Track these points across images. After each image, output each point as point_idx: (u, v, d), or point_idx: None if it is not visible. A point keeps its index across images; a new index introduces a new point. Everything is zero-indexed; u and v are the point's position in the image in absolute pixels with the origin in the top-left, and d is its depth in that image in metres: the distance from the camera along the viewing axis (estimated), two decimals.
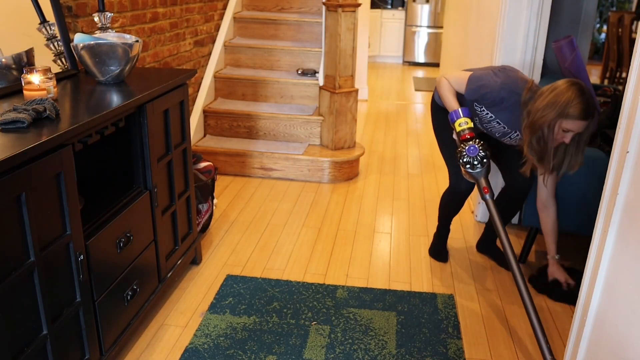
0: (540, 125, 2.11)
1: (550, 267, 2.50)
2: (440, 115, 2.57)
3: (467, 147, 2.25)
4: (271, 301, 2.38)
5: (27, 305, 1.43)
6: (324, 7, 3.75)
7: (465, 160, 2.26)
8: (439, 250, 2.84)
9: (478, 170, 2.26)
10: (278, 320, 2.25)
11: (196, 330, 2.17)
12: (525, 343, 2.17)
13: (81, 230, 1.64)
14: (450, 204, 2.73)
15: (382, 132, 5.07)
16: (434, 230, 3.08)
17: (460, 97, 2.38)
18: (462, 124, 2.28)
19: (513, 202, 2.63)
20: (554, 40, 2.83)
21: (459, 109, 2.31)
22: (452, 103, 2.35)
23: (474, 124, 2.34)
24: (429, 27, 8.66)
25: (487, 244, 2.84)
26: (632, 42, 6.45)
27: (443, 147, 2.64)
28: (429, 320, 2.27)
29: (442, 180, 3.86)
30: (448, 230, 2.86)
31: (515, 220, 3.17)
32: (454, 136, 2.39)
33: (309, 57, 4.27)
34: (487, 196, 2.27)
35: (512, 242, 2.96)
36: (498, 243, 2.80)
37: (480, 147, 2.24)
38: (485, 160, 2.25)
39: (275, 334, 2.16)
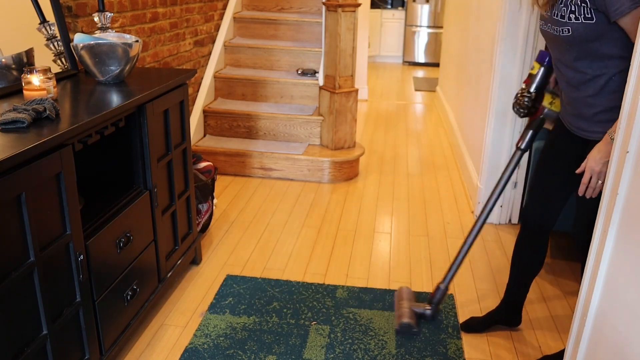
0: None
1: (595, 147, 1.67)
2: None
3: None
4: (271, 301, 2.38)
5: (27, 305, 1.43)
6: (324, 7, 3.75)
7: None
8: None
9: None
10: (278, 320, 2.25)
11: (196, 330, 2.17)
12: (525, 343, 2.17)
13: (81, 230, 1.64)
14: (519, 247, 2.13)
15: (382, 132, 5.07)
16: (434, 229, 3.07)
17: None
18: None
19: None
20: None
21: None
22: None
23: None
24: (429, 27, 8.66)
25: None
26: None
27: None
28: (429, 320, 2.27)
29: (442, 180, 3.86)
30: (523, 297, 2.18)
31: (515, 220, 3.17)
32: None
33: (309, 57, 4.27)
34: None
35: (511, 242, 2.97)
36: None
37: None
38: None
39: (275, 334, 2.16)
